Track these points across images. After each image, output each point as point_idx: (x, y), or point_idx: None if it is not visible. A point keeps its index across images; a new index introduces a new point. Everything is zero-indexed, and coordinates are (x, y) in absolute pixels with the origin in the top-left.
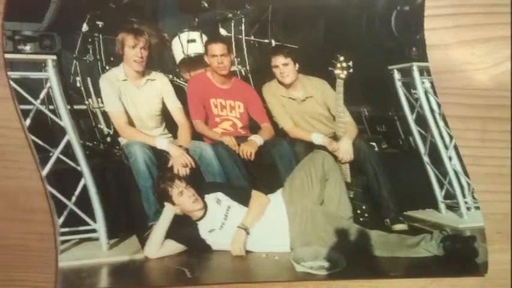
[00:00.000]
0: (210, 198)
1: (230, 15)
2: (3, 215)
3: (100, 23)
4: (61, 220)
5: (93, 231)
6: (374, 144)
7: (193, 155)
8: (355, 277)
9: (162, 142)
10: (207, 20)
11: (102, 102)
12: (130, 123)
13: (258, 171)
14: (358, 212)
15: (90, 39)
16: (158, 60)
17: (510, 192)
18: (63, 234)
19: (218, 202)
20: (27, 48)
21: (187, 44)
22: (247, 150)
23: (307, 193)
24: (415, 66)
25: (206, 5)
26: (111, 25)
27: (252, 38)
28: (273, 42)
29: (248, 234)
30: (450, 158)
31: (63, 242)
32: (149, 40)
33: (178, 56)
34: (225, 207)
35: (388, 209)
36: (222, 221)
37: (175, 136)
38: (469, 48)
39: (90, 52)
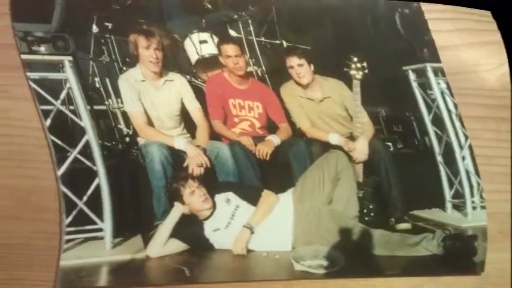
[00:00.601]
0: (220, 197)
1: (235, 16)
2: (13, 214)
3: (109, 25)
4: (69, 219)
5: (99, 230)
6: (390, 144)
7: (209, 154)
8: (352, 276)
9: (180, 142)
10: (215, 21)
11: (121, 103)
12: (150, 123)
13: (272, 171)
14: (365, 211)
15: (103, 41)
16: (174, 61)
17: (510, 192)
18: (69, 233)
19: (228, 202)
20: (42, 49)
21: (199, 45)
22: (264, 150)
23: (318, 193)
24: (429, 67)
25: (209, 6)
26: (120, 26)
27: (263, 39)
28: (284, 43)
29: (253, 233)
30: (463, 158)
31: (68, 241)
32: (161, 41)
33: (193, 57)
34: (233, 207)
35: (394, 208)
36: (228, 221)
37: (193, 136)
38: (476, 49)
39: (105, 53)
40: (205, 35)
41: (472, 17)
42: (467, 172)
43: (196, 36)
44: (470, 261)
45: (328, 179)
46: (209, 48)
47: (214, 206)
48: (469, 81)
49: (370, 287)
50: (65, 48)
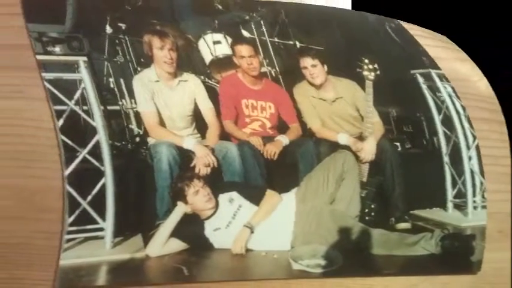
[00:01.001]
0: (223, 197)
1: (247, 17)
2: (17, 214)
3: (123, 25)
4: (71, 219)
5: (100, 229)
6: (398, 144)
7: (217, 154)
8: (350, 275)
9: (189, 142)
10: (227, 22)
11: (135, 103)
12: (161, 123)
13: (278, 171)
14: (366, 211)
15: (117, 41)
16: (188, 61)
17: (510, 192)
18: (70, 232)
19: (231, 201)
20: (57, 49)
21: (213, 45)
22: (272, 150)
23: (321, 192)
24: (433, 72)
25: (220, 7)
26: (134, 27)
27: (276, 39)
28: (297, 44)
29: (252, 232)
30: (470, 158)
31: (69, 240)
32: (175, 41)
33: (207, 58)
34: (236, 207)
35: (396, 208)
36: (229, 220)
37: (204, 136)
38: (461, 63)
39: (120, 54)
40: (219, 36)
41: (438, 37)
42: (472, 172)
43: (210, 37)
44: (467, 261)
45: (333, 179)
46: (223, 48)
47: (217, 206)
48: (469, 87)
49: (367, 286)
50: (80, 49)
